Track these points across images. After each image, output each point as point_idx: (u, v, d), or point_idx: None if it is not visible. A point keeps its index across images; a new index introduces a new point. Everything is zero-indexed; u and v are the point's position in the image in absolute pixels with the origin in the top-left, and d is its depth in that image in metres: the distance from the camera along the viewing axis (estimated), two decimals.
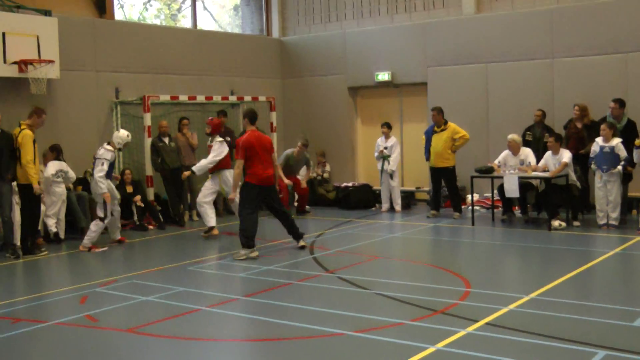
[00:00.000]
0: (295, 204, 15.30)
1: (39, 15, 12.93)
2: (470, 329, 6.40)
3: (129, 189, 13.54)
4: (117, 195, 12.05)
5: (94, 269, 10.17)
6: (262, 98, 16.44)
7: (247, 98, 16.18)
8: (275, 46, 18.28)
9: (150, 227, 13.53)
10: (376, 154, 15.15)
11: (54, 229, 12.03)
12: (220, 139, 12.33)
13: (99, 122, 14.24)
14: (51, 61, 12.65)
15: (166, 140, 13.96)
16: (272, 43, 18.31)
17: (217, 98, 15.62)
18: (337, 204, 16.11)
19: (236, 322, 7.12)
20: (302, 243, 10.92)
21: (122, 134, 11.84)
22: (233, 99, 16.11)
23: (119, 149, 11.85)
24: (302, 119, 17.83)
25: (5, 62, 12.15)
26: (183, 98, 14.96)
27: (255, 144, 10.35)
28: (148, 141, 13.96)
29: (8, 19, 12.33)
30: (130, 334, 6.63)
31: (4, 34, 12.13)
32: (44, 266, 10.43)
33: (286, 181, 14.70)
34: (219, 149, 12.18)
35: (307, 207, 15.26)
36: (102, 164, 11.38)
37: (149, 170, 14.08)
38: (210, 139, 12.46)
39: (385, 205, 15.23)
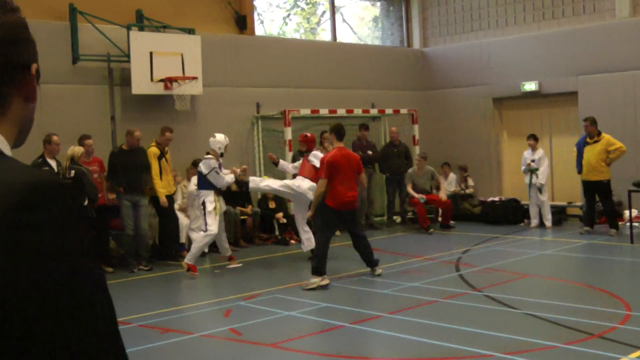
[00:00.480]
0: (440, 218, 15.16)
1: (183, 34, 13.58)
2: (633, 356, 6.08)
3: (272, 204, 13.89)
4: (223, 207, 11.81)
5: (237, 282, 10.42)
6: (403, 111, 16.43)
7: (388, 111, 16.22)
8: (416, 57, 18.25)
9: (292, 241, 13.75)
10: (523, 167, 14.75)
11: None
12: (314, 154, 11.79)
13: (241, 136, 14.70)
14: (194, 78, 13.21)
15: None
16: (413, 54, 18.30)
17: (357, 111, 15.76)
18: (482, 219, 15.81)
19: (381, 340, 7.11)
20: (378, 271, 10.19)
21: (220, 138, 11.40)
22: (374, 112, 16.21)
23: (221, 154, 11.40)
24: (444, 132, 17.66)
25: (152, 80, 12.83)
26: (323, 112, 15.21)
27: (343, 163, 9.74)
28: (289, 155, 14.25)
29: (155, 38, 13.05)
30: (274, 349, 6.76)
31: (151, 54, 12.82)
32: (187, 278, 10.84)
33: (417, 196, 14.60)
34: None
35: (451, 222, 15.08)
36: (217, 173, 11.05)
37: None
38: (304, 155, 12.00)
39: (534, 221, 14.78)
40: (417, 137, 16.49)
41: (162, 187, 11.67)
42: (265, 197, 13.98)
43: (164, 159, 11.87)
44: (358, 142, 15.08)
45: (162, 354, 6.81)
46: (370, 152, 15.00)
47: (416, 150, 16.02)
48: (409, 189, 14.89)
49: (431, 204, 15.09)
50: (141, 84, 12.73)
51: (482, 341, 6.67)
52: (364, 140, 15.14)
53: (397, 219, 16.11)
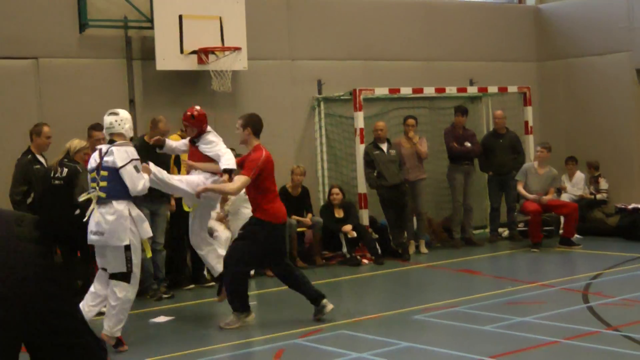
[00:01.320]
0: (560, 231, 14.88)
1: None
2: None
3: (338, 213, 13.84)
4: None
5: (291, 314, 10.40)
6: (512, 89, 16.19)
7: (492, 89, 16.01)
8: (530, 17, 18.00)
9: (365, 261, 13.70)
10: None
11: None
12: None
13: (297, 124, 14.82)
14: (237, 48, 13.22)
15: (384, 147, 14.10)
16: (526, 13, 18.07)
17: (451, 90, 15.59)
18: (620, 233, 15.44)
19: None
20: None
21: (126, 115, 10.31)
22: (473, 90, 16.03)
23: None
24: (568, 117, 17.35)
25: (182, 52, 12.92)
26: (406, 91, 15.09)
27: (271, 165, 9.81)
28: (361, 149, 14.18)
29: None
30: None
31: (180, 18, 12.87)
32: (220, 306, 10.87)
33: (531, 197, 14.27)
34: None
35: (575, 235, 14.75)
36: (137, 168, 9.87)
37: (362, 188, 14.30)
38: None
39: None
40: (530, 124, 16.24)
41: None
42: (330, 204, 13.94)
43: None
44: (452, 131, 14.90)
45: None
46: (468, 145, 14.80)
47: (528, 141, 15.75)
48: (520, 188, 14.60)
49: (550, 210, 14.78)
50: (168, 58, 12.83)
51: None
52: (460, 129, 14.97)
53: (504, 231, 15.86)
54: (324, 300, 9.66)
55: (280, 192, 13.62)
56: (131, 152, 8.67)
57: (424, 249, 14.55)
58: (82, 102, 12.37)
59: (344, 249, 13.90)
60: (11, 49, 12.20)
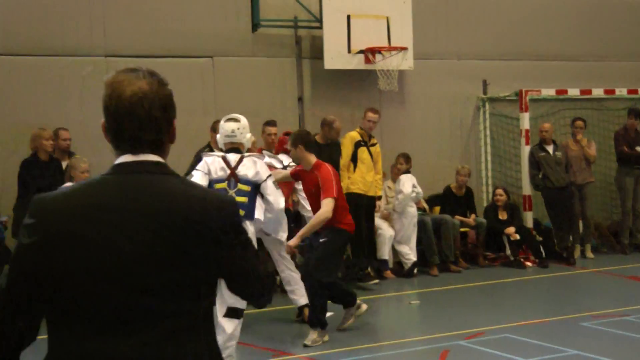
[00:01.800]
0: None
1: None
2: None
3: (502, 214, 13.55)
4: None
5: (454, 315, 10.23)
6: None
7: None
8: None
9: (528, 264, 13.35)
10: None
11: (409, 259, 12.49)
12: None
13: (462, 123, 14.63)
14: (404, 48, 13.13)
15: (550, 149, 13.73)
16: None
17: (621, 91, 14.96)
18: None
19: None
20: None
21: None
22: None
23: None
24: None
25: (349, 51, 12.93)
26: (573, 92, 14.61)
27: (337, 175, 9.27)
28: (526, 150, 13.88)
29: None
30: None
31: (349, 18, 12.90)
32: (388, 306, 10.73)
33: None
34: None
35: None
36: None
37: (526, 189, 13.99)
38: None
39: None
40: None
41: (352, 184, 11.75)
42: (494, 205, 13.62)
43: (365, 149, 11.88)
44: (624, 134, 14.24)
45: None
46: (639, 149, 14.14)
47: None
48: None
49: None
50: (336, 57, 12.89)
51: None
52: (633, 132, 14.27)
53: None
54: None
55: (445, 192, 13.57)
56: (264, 164, 7.88)
57: (590, 254, 14.01)
58: (255, 98, 12.56)
59: (507, 251, 13.57)
60: (189, 48, 12.49)
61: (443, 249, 13.01)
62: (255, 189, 7.62)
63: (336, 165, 11.52)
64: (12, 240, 10.30)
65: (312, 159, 8.80)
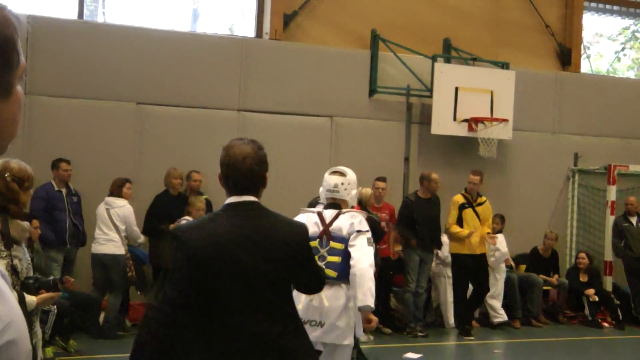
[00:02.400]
0: None
1: (495, 68, 14.02)
2: None
3: (583, 277, 13.78)
4: None
5: None
6: None
7: None
8: None
9: (605, 324, 13.49)
10: None
11: (501, 314, 12.67)
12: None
13: (552, 192, 14.81)
14: (504, 120, 13.51)
15: (633, 220, 13.91)
16: None
17: None
18: None
19: None
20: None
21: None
22: None
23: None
24: None
25: (455, 119, 13.39)
26: None
27: None
28: (611, 220, 14.09)
29: (462, 72, 13.64)
30: None
31: (456, 89, 13.39)
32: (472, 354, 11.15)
33: None
34: None
35: None
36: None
37: (608, 255, 14.20)
38: None
39: None
40: None
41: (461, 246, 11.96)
42: (577, 267, 13.91)
43: (470, 210, 12.11)
44: None
45: None
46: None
47: None
48: None
49: None
50: (442, 123, 13.30)
51: None
52: None
53: None
54: None
55: (532, 252, 13.84)
56: (364, 221, 6.18)
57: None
58: (368, 155, 12.94)
59: (586, 311, 13.75)
60: (312, 108, 13.10)
61: (527, 304, 13.26)
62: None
63: (436, 220, 12.13)
64: None
65: None
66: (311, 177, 11.99)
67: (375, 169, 12.32)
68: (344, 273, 5.91)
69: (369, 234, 6.03)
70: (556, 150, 14.77)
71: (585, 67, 16.18)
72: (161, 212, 11.30)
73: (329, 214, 6.21)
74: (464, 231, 11.86)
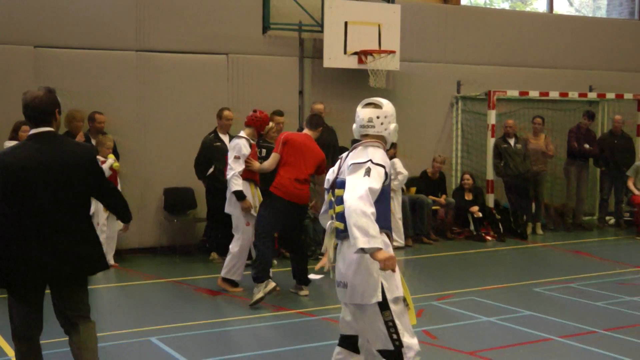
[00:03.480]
0: None
1: (382, 2, 13.70)
2: None
3: (468, 195, 13.86)
4: None
5: (429, 280, 10.51)
6: (628, 95, 15.69)
7: (610, 95, 15.58)
8: None
9: (488, 238, 13.64)
10: None
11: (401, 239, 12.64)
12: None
13: (438, 118, 14.80)
14: (392, 52, 13.30)
15: (511, 141, 14.00)
16: None
17: (573, 95, 15.29)
18: None
19: (596, 359, 6.91)
20: (304, 292, 9.36)
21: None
22: (592, 96, 15.66)
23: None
24: None
25: (345, 52, 13.07)
26: (534, 94, 14.89)
27: (302, 149, 9.05)
28: (491, 142, 14.14)
29: (351, 7, 13.24)
30: (472, 357, 6.77)
31: (346, 24, 13.05)
32: None
33: (637, 192, 14.02)
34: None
35: None
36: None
37: (489, 175, 14.27)
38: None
39: None
40: None
41: None
42: (462, 187, 13.97)
43: None
44: (576, 132, 14.62)
45: None
46: (586, 146, 14.49)
47: (639, 143, 15.34)
48: (630, 184, 14.30)
49: None
50: (333, 57, 13.01)
51: None
52: (584, 130, 14.68)
53: (610, 219, 15.55)
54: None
55: (422, 175, 13.79)
56: (371, 153, 4.78)
57: (540, 231, 14.42)
58: (264, 90, 12.69)
59: (471, 227, 13.87)
60: (209, 46, 12.60)
61: (418, 223, 13.28)
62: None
63: (333, 148, 11.80)
64: None
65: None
66: (211, 114, 11.65)
67: (271, 103, 12.06)
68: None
69: (370, 164, 4.61)
70: (440, 79, 14.70)
71: (465, 0, 16.07)
72: None
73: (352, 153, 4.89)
74: None
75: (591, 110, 15.09)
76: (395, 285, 4.75)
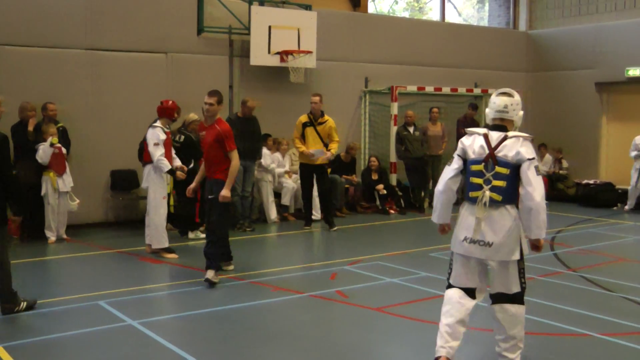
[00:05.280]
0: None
1: (301, 9, 13.61)
2: None
3: (374, 176, 13.90)
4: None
5: (341, 247, 10.51)
6: None
7: (491, 91, 15.77)
8: (522, 39, 17.76)
9: (392, 211, 13.73)
10: (633, 153, 14.16)
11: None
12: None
13: (349, 109, 14.76)
14: (309, 52, 13.25)
15: (411, 129, 14.08)
16: (519, 36, 17.81)
17: (462, 90, 15.51)
18: (576, 201, 15.40)
19: (480, 311, 6.98)
20: (230, 267, 8.67)
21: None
22: (477, 91, 15.88)
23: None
24: (546, 113, 17.17)
25: (269, 52, 12.95)
26: (429, 89, 15.04)
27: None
28: (394, 129, 14.20)
29: (274, 13, 13.11)
30: (379, 313, 6.82)
31: (270, 28, 12.94)
32: (291, 241, 11.06)
33: None
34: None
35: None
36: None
37: (392, 157, 14.33)
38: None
39: (629, 204, 14.38)
40: None
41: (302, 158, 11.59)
42: (369, 168, 14.02)
43: (312, 128, 11.51)
44: (463, 120, 14.79)
45: (274, 311, 6.97)
46: None
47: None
48: None
49: None
50: (259, 56, 12.88)
51: (579, 320, 6.52)
52: (470, 119, 14.87)
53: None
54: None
55: (336, 158, 13.72)
56: (531, 146, 5.10)
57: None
58: (199, 85, 12.14)
59: (377, 202, 13.94)
60: (150, 46, 12.30)
61: (332, 200, 13.14)
62: (516, 172, 5.02)
63: (255, 134, 11.66)
64: None
65: (219, 115, 8.08)
66: (153, 106, 11.34)
67: (205, 97, 11.71)
68: (508, 197, 4.98)
69: (536, 162, 5.01)
70: (351, 75, 14.68)
71: (371, 8, 16.11)
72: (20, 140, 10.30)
73: (495, 136, 5.11)
74: (302, 147, 11.47)
75: (475, 103, 15.28)
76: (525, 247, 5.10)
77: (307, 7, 13.70)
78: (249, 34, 12.88)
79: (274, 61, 13.06)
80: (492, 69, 16.75)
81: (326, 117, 11.66)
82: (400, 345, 5.97)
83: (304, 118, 11.61)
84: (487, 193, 5.02)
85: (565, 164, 16.34)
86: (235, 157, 7.88)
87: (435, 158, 14.45)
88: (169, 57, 12.47)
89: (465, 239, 5.15)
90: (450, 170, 5.22)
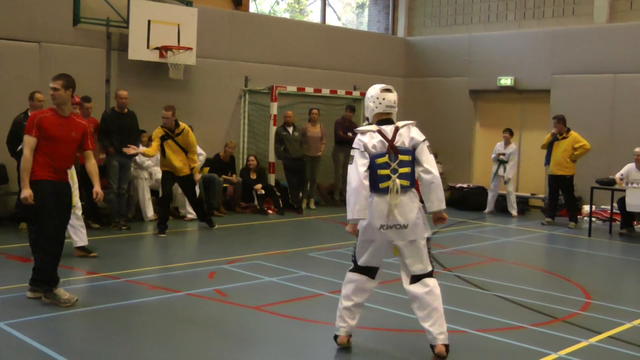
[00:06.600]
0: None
1: (181, 5, 13.46)
2: (593, 340, 6.26)
3: (253, 175, 13.90)
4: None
5: (220, 247, 10.46)
6: None
7: None
8: (400, 45, 18.28)
9: (270, 212, 13.77)
10: (493, 155, 14.99)
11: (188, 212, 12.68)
12: None
13: (228, 108, 14.70)
14: (189, 48, 13.11)
15: (290, 129, 14.19)
16: (397, 42, 18.32)
17: (341, 92, 15.79)
18: (451, 204, 15.97)
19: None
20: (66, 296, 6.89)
21: None
22: (356, 94, 16.21)
23: None
24: (422, 118, 17.69)
25: (148, 47, 12.75)
26: (309, 90, 15.20)
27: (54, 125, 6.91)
28: (273, 129, 14.25)
29: (154, 7, 12.90)
30: (258, 312, 6.84)
31: (149, 22, 12.73)
32: (169, 240, 10.89)
33: None
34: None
35: None
36: None
37: (271, 157, 14.40)
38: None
39: (488, 208, 15.14)
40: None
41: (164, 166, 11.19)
42: (248, 167, 14.01)
43: (171, 140, 10.93)
44: (341, 122, 15.10)
45: (150, 310, 6.86)
46: (350, 135, 14.99)
47: None
48: None
49: None
50: (137, 50, 12.65)
51: (455, 318, 6.78)
52: (348, 121, 15.16)
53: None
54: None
55: (215, 158, 13.68)
56: (417, 129, 5.71)
57: (313, 206, 14.76)
58: (75, 78, 11.57)
59: (256, 202, 13.95)
60: (21, 34, 11.79)
61: (210, 199, 13.14)
62: (414, 156, 5.55)
63: (131, 129, 11.39)
64: None
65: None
66: (23, 97, 10.91)
67: (80, 89, 11.05)
68: (412, 181, 5.52)
69: (427, 142, 5.61)
70: (231, 74, 14.63)
71: (252, 8, 16.12)
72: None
73: (388, 129, 5.56)
74: (154, 155, 11.08)
75: (353, 105, 15.58)
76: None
77: (188, 3, 13.57)
78: (127, 27, 12.60)
79: (153, 56, 12.85)
80: (371, 73, 17.14)
81: (181, 125, 11.06)
82: (277, 344, 6.01)
83: (160, 132, 10.88)
84: (397, 181, 5.43)
85: (440, 168, 16.91)
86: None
87: (314, 159, 14.62)
88: (42, 46, 12.00)
89: (382, 226, 5.50)
90: (361, 165, 5.42)
